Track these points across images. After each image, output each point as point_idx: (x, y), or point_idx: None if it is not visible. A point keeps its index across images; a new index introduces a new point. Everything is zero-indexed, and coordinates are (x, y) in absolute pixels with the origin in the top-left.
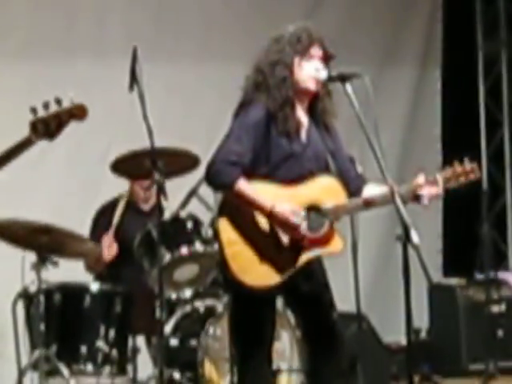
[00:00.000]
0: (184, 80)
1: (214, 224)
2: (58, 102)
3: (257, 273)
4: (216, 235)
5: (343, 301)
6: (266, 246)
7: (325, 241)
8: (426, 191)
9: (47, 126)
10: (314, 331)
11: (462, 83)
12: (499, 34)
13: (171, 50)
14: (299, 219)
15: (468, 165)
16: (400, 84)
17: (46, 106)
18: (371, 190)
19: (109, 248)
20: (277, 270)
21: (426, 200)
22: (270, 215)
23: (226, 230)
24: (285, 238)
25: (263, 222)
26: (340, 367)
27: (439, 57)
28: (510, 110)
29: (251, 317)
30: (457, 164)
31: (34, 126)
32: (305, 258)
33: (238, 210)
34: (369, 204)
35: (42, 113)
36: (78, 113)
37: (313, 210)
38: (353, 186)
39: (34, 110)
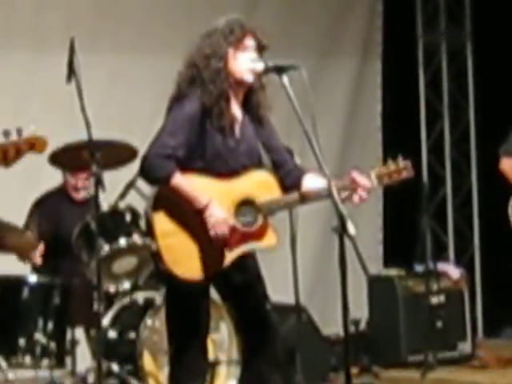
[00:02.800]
0: (125, 69)
1: (147, 215)
2: (19, 131)
3: (189, 265)
4: (149, 226)
5: (282, 293)
6: (199, 238)
7: (258, 235)
8: (360, 187)
9: (5, 154)
10: (247, 322)
11: (402, 74)
12: (439, 25)
13: (112, 39)
14: (228, 223)
15: (401, 162)
16: (340, 75)
17: (6, 133)
18: (310, 181)
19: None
20: (209, 263)
21: (357, 199)
22: (204, 212)
23: (160, 221)
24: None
25: (197, 216)
26: (274, 358)
27: (379, 48)
28: (449, 102)
29: (185, 308)
30: (390, 161)
31: None
32: (235, 253)
33: (172, 202)
34: (305, 198)
35: (1, 140)
36: (38, 146)
37: (246, 204)
38: (291, 177)
39: None
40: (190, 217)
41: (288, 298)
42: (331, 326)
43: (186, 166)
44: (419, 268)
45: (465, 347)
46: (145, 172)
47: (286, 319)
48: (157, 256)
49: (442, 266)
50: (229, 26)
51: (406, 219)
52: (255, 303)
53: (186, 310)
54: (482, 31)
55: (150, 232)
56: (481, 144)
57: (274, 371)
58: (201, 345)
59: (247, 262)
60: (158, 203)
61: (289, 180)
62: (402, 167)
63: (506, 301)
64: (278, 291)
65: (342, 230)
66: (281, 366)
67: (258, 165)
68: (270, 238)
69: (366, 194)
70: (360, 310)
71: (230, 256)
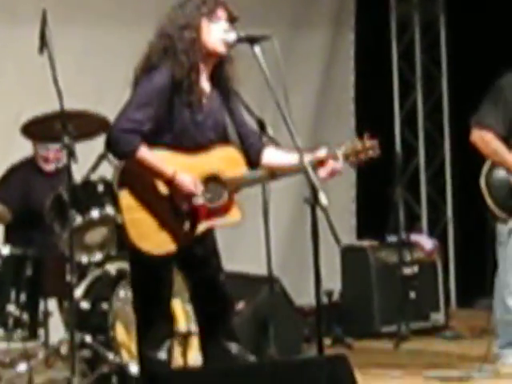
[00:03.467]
0: (99, 40)
1: (114, 190)
2: None
3: (155, 240)
4: (116, 201)
5: (255, 264)
6: (165, 213)
7: (223, 211)
8: (328, 166)
9: None
10: (201, 293)
11: (375, 46)
12: None
13: (85, 9)
14: (198, 190)
15: (368, 142)
16: (313, 46)
17: None
18: (272, 156)
19: None
20: (174, 238)
21: (324, 174)
22: (171, 183)
23: (126, 196)
24: (184, 207)
25: (163, 190)
26: (228, 329)
27: (352, 20)
28: (422, 73)
29: (148, 279)
30: (357, 140)
31: None
32: (202, 227)
33: (138, 177)
34: (273, 174)
35: None
36: None
37: (213, 180)
38: (251, 151)
39: None
40: (156, 191)
41: (261, 269)
42: (304, 297)
43: (153, 140)
44: (392, 239)
45: (438, 318)
46: (110, 146)
47: (259, 290)
48: (123, 230)
49: (414, 237)
50: None
51: (379, 190)
52: (210, 275)
53: (150, 282)
54: (455, 3)
55: (117, 206)
56: (454, 115)
57: (229, 340)
58: (164, 314)
59: (206, 235)
60: (123, 178)
61: (250, 154)
62: (368, 146)
63: (479, 271)
64: (251, 262)
65: (314, 201)
66: (235, 335)
67: (224, 139)
68: (234, 214)
69: (329, 175)
70: (333, 281)
71: (194, 231)
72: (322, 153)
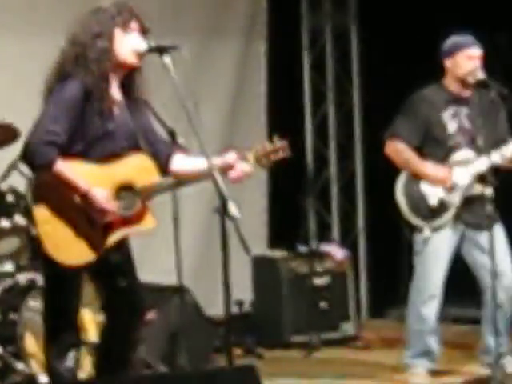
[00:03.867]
0: (9, 53)
1: (27, 201)
2: None
3: (70, 251)
4: (29, 212)
5: (165, 274)
6: (80, 224)
7: (137, 219)
8: (237, 169)
9: None
10: (115, 301)
11: (286, 56)
12: (323, 7)
13: None
14: (110, 205)
15: (278, 143)
16: (226, 56)
17: None
18: (180, 163)
19: None
20: (89, 249)
21: (234, 177)
22: (85, 197)
23: (41, 208)
24: (97, 220)
25: (78, 202)
26: (137, 337)
27: (264, 30)
28: (334, 83)
29: (58, 289)
30: (267, 142)
31: None
32: (115, 237)
33: (53, 188)
34: (182, 181)
35: None
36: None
37: (125, 189)
38: (160, 157)
39: None
40: (70, 202)
41: (171, 280)
42: (215, 307)
43: (65, 150)
44: (303, 249)
45: (349, 328)
46: (27, 158)
47: (169, 301)
48: (38, 242)
49: (325, 247)
50: (116, 7)
51: (290, 200)
52: (123, 283)
53: (60, 292)
54: (367, 14)
55: (31, 218)
56: (365, 125)
57: (137, 349)
58: (72, 324)
59: (121, 243)
60: (38, 189)
61: (158, 160)
62: (278, 147)
63: (391, 281)
64: (160, 272)
65: (223, 211)
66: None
67: (136, 147)
68: (148, 222)
69: (240, 178)
70: (244, 291)
71: (109, 240)
72: (231, 156)
